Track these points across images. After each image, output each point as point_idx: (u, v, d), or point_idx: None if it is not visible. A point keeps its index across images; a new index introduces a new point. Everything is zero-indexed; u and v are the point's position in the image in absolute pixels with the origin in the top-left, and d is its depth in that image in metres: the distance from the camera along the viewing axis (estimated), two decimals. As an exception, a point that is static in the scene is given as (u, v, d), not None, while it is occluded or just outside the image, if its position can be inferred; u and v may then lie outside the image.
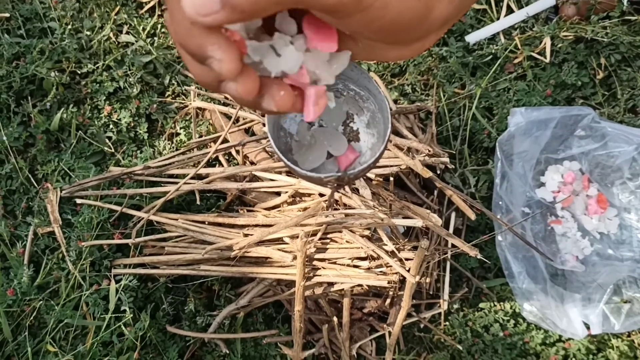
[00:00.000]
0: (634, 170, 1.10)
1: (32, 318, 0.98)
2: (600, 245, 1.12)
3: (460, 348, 1.06)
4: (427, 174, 0.86)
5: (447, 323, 1.09)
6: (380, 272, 0.87)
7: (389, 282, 0.86)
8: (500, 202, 1.09)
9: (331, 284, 0.93)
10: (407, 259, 0.87)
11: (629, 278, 1.05)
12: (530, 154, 1.11)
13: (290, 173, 1.00)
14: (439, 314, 1.08)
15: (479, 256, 0.83)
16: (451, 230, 1.08)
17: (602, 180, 1.14)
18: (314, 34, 0.34)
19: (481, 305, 1.10)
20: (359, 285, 0.93)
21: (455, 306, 1.09)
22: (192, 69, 0.30)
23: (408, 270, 0.83)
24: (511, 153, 1.11)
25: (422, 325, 1.09)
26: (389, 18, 0.27)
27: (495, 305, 1.10)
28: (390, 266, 0.85)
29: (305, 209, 0.92)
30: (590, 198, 1.13)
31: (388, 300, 1.00)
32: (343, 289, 0.94)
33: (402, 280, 0.92)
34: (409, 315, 1.05)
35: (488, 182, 1.14)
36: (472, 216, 0.91)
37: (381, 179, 0.95)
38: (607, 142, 1.09)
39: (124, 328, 0.95)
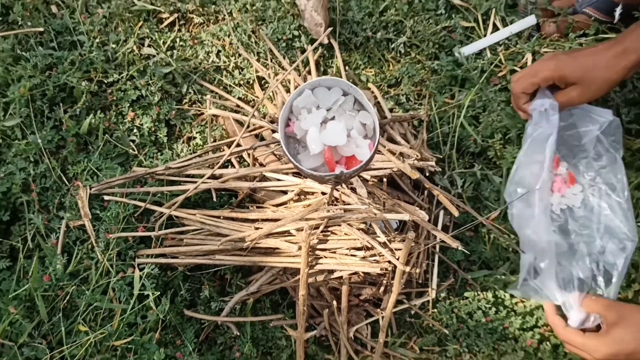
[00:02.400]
0: (597, 150, 1.13)
1: (65, 301, 1.06)
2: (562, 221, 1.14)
3: (447, 332, 1.17)
4: (414, 175, 0.98)
5: (435, 310, 1.20)
6: (374, 260, 1.00)
7: (381, 269, 0.98)
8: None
9: (331, 272, 1.05)
10: (397, 249, 0.99)
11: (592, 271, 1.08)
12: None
13: (296, 174, 1.12)
14: (428, 301, 1.19)
15: (460, 247, 0.95)
16: (440, 226, 1.20)
17: (570, 160, 1.16)
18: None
19: (466, 294, 1.20)
20: (356, 273, 1.05)
21: (443, 295, 1.20)
22: None
23: (398, 259, 0.96)
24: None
25: (412, 312, 1.19)
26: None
27: (478, 295, 1.19)
28: (383, 255, 0.98)
29: (309, 205, 1.05)
30: (558, 176, 1.16)
31: (382, 288, 1.12)
32: (342, 277, 1.06)
33: (394, 270, 1.04)
34: (400, 302, 1.16)
35: (474, 183, 1.25)
36: (455, 212, 1.03)
37: (376, 180, 1.07)
38: (574, 122, 1.13)
39: (153, 305, 1.03)
